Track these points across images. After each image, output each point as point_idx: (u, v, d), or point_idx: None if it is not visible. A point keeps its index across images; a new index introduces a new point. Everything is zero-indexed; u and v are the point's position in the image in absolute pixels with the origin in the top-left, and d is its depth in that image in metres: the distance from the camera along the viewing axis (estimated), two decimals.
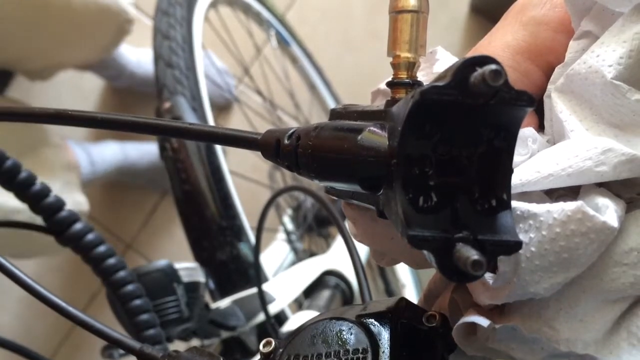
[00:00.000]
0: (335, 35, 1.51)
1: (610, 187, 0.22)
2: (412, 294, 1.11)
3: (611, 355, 0.22)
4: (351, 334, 0.25)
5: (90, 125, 0.29)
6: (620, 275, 0.21)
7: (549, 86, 0.25)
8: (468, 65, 0.17)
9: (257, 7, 1.14)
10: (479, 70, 0.17)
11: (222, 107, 1.43)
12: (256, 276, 0.60)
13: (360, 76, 1.47)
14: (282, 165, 0.25)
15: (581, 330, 0.22)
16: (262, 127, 1.26)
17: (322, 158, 0.22)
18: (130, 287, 0.45)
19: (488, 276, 0.23)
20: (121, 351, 0.59)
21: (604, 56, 0.22)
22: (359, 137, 0.21)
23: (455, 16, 1.47)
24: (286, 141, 0.24)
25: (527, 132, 0.24)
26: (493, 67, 0.17)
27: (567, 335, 0.22)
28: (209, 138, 0.27)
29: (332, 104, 1.30)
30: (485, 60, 0.17)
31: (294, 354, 0.26)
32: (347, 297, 0.82)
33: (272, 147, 0.25)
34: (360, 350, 0.25)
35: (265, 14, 1.17)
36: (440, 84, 0.17)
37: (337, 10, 1.52)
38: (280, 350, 0.27)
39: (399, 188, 0.19)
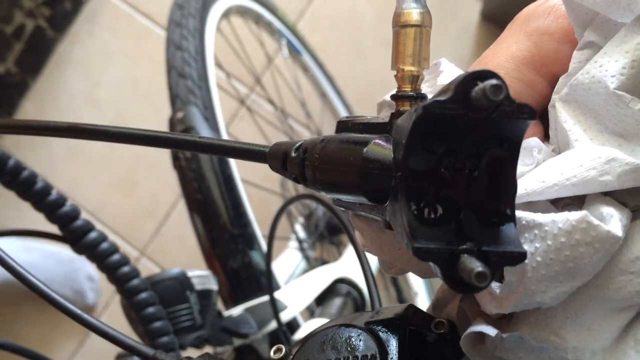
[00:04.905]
0: (346, 44, 1.52)
1: (616, 196, 0.22)
2: (424, 302, 1.10)
3: None
4: (360, 341, 0.26)
5: (103, 139, 0.30)
6: (627, 283, 0.21)
7: (554, 96, 0.25)
8: (469, 80, 0.17)
9: (269, 17, 1.15)
10: (480, 85, 0.17)
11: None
12: (268, 284, 0.61)
13: (371, 84, 1.47)
14: (289, 177, 0.25)
15: (588, 338, 0.22)
16: (273, 135, 1.27)
17: (328, 171, 0.23)
18: (144, 295, 0.46)
19: (495, 285, 0.23)
20: (135, 359, 0.59)
21: (606, 66, 0.22)
22: (365, 150, 0.21)
23: (466, 24, 1.47)
24: (293, 154, 0.25)
25: (532, 142, 0.24)
26: (494, 81, 0.17)
27: (575, 344, 0.22)
28: (217, 151, 0.27)
29: (343, 113, 1.31)
30: (486, 74, 0.17)
31: (304, 359, 0.26)
32: (358, 305, 0.82)
33: (279, 159, 0.25)
34: (369, 357, 0.25)
35: (277, 23, 1.17)
36: (442, 98, 0.18)
37: (347, 20, 1.53)
38: (291, 356, 0.27)
39: (404, 200, 0.19)
